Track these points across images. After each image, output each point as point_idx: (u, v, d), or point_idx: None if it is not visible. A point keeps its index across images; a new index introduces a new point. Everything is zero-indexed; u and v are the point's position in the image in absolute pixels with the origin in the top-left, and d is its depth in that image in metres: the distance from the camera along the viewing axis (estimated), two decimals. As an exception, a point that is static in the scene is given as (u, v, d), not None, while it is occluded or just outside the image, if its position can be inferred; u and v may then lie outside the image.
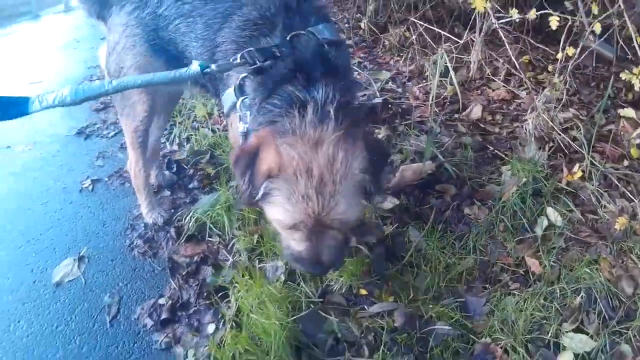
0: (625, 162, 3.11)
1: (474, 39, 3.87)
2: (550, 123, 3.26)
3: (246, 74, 1.98)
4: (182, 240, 2.83)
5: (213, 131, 3.86)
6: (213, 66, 1.89)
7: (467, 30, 3.89)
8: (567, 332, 2.22)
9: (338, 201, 1.74)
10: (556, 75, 3.17)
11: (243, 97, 2.01)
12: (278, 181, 1.75)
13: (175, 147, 3.77)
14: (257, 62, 1.91)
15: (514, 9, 3.12)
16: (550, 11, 2.93)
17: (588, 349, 2.17)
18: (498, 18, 3.31)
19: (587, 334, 2.22)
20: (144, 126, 2.63)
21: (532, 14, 2.97)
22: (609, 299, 2.37)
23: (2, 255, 2.93)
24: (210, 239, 2.82)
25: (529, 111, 3.36)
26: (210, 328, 2.33)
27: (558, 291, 2.39)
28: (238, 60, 1.93)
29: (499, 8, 3.45)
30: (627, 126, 3.37)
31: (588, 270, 2.46)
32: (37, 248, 2.97)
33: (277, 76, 1.90)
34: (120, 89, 1.81)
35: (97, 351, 2.35)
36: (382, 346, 2.13)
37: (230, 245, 2.74)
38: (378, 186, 1.86)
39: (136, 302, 2.57)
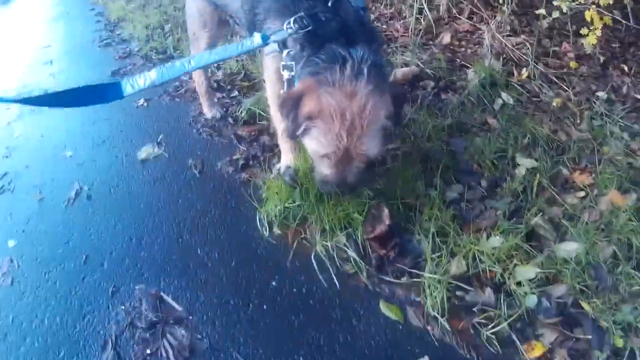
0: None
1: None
2: (503, 41, 4.47)
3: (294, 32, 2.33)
4: (240, 124, 3.85)
5: (237, 61, 4.87)
6: (272, 37, 2.31)
7: None
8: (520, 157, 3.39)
9: (364, 141, 2.20)
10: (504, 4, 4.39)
11: (289, 50, 2.38)
12: (317, 121, 2.20)
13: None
14: (308, 26, 2.29)
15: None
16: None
17: (535, 165, 3.33)
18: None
19: (534, 159, 3.39)
20: (205, 43, 3.37)
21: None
22: (549, 142, 3.54)
23: (99, 141, 3.85)
24: (260, 122, 3.85)
25: (486, 32, 4.56)
26: (277, 166, 3.36)
27: (512, 135, 3.58)
28: (292, 25, 2.29)
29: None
30: (567, 46, 4.63)
31: (533, 125, 3.65)
32: (125, 137, 3.91)
33: (325, 36, 2.28)
34: (199, 66, 2.25)
35: (195, 191, 3.22)
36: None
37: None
38: (398, 127, 2.50)
39: (215, 160, 3.54)
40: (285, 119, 2.31)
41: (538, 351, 2.13)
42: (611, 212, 2.84)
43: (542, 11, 3.92)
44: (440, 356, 2.09)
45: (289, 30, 2.30)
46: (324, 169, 2.34)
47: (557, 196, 2.98)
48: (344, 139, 2.17)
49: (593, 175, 3.17)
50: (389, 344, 2.16)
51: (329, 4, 2.34)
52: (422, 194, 2.81)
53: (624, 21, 3.87)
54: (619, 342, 2.19)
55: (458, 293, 2.36)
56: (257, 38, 2.30)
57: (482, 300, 2.32)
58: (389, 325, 2.24)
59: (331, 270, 2.48)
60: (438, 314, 2.26)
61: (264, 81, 2.86)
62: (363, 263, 2.49)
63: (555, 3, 3.84)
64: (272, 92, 2.73)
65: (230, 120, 3.90)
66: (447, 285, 2.36)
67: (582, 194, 3.05)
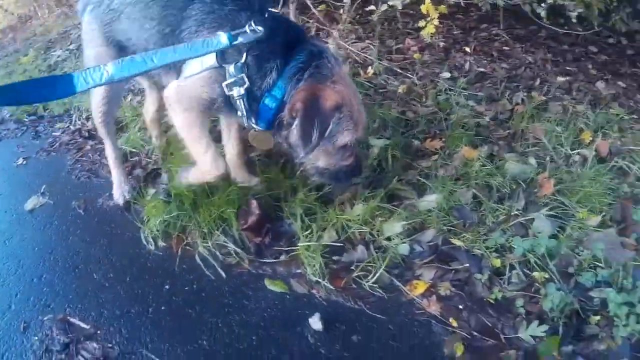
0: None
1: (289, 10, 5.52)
2: (348, 47, 4.95)
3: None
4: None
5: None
6: (240, 38, 2.20)
7: (280, 6, 5.48)
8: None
9: (364, 117, 2.45)
10: (343, 14, 4.90)
11: (236, 62, 2.28)
12: (343, 110, 2.31)
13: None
14: (258, 29, 2.24)
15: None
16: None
17: (387, 143, 3.69)
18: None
19: (386, 138, 3.79)
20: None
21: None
22: (399, 122, 3.94)
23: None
24: (132, 158, 3.95)
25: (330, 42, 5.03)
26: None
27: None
28: (247, 31, 2.23)
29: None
30: (409, 41, 5.21)
31: (382, 111, 4.06)
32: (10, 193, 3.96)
33: (281, 41, 2.34)
34: (163, 63, 2.05)
35: (82, 227, 3.35)
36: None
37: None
38: None
39: (96, 198, 3.60)
40: (312, 129, 2.26)
41: (421, 288, 2.40)
42: (465, 164, 3.32)
43: (372, 7, 4.46)
44: (330, 312, 2.34)
45: (257, 33, 2.23)
46: (343, 161, 2.48)
47: (411, 162, 3.40)
48: (360, 121, 2.40)
49: (443, 139, 3.64)
50: (280, 313, 2.41)
51: (266, 14, 2.36)
52: (287, 184, 3.07)
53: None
54: (497, 262, 2.52)
55: (334, 257, 2.65)
56: (223, 37, 2.16)
57: (356, 257, 2.60)
58: (277, 297, 2.50)
59: (216, 265, 2.72)
60: (320, 278, 2.51)
61: (174, 112, 2.59)
62: (243, 252, 2.75)
63: (390, 3, 4.38)
64: (189, 121, 2.56)
65: (104, 161, 4.05)
66: (322, 252, 2.63)
67: (436, 157, 3.49)
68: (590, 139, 3.77)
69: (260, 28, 2.23)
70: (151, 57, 2.01)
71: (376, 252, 2.62)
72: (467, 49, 4.87)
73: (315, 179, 2.68)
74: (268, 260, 2.69)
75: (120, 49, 2.73)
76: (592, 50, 5.05)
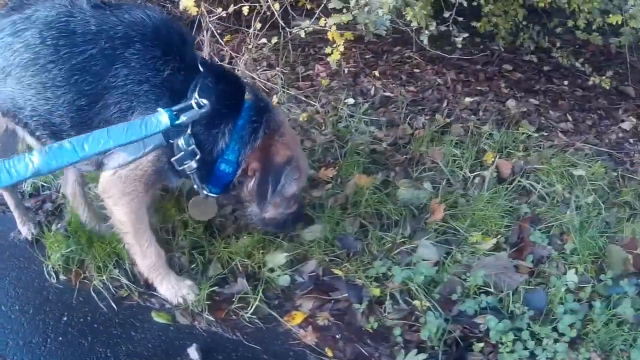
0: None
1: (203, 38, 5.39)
2: (254, 75, 4.79)
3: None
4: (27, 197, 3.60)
5: None
6: (183, 117, 1.99)
7: (194, 31, 5.37)
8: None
9: (307, 165, 2.57)
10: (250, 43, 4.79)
11: (185, 134, 2.13)
12: (293, 162, 2.35)
13: None
14: (203, 103, 2.08)
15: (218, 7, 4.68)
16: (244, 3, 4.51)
17: None
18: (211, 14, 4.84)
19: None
20: None
21: (231, 8, 4.55)
22: None
23: None
24: (44, 192, 3.64)
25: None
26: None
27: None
28: (194, 104, 2.06)
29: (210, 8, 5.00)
30: (319, 67, 5.11)
31: None
32: None
33: (226, 105, 2.25)
34: (94, 152, 1.80)
35: None
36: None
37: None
38: None
39: (8, 232, 3.30)
40: (269, 183, 2.29)
41: (299, 319, 2.46)
42: (356, 193, 3.23)
43: (274, 39, 4.36)
44: (209, 342, 2.43)
45: (203, 109, 2.07)
46: (289, 209, 2.52)
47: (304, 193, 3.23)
48: (303, 173, 2.44)
49: (337, 168, 3.49)
50: (163, 343, 2.47)
51: (201, 69, 2.22)
52: (177, 218, 3.01)
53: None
54: (376, 292, 2.55)
55: (218, 289, 2.66)
56: (164, 117, 1.92)
57: (236, 289, 2.63)
58: (162, 329, 2.56)
59: (108, 297, 2.72)
60: (202, 309, 2.55)
61: (114, 204, 2.38)
62: (134, 285, 2.75)
63: (294, 30, 4.27)
64: (134, 211, 2.38)
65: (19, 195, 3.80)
66: (207, 285, 2.63)
67: (329, 185, 3.35)
68: (493, 159, 3.66)
69: (205, 101, 2.08)
70: (82, 145, 1.77)
71: (256, 284, 2.66)
72: (376, 73, 4.77)
73: (261, 228, 2.68)
74: (156, 293, 2.69)
75: (10, 118, 2.32)
76: (506, 69, 4.99)
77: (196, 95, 2.08)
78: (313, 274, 2.65)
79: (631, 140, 4.28)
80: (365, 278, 2.61)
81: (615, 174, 3.84)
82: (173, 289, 2.53)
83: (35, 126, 2.23)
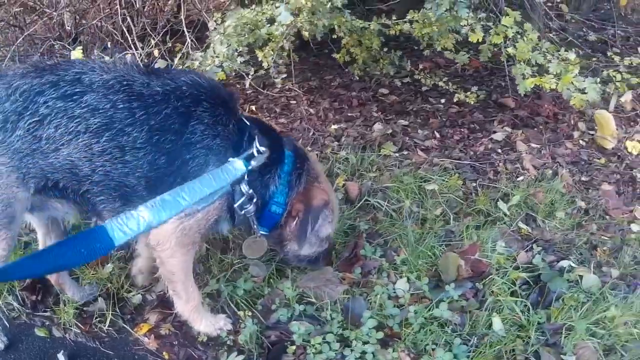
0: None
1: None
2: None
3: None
4: None
5: None
6: (253, 162, 2.27)
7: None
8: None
9: (338, 209, 2.86)
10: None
11: (248, 179, 2.35)
12: (329, 207, 2.68)
13: None
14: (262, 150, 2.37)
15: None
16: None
17: None
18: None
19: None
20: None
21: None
22: None
23: None
24: None
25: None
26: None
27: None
28: (255, 154, 2.33)
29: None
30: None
31: None
32: None
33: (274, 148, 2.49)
34: (197, 199, 1.95)
35: None
36: None
37: None
38: None
39: None
40: (309, 223, 2.59)
41: (145, 329, 2.84)
42: None
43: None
44: (75, 350, 2.82)
45: (264, 155, 2.35)
46: (321, 248, 2.81)
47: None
48: (336, 216, 2.80)
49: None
50: (41, 352, 2.84)
51: (247, 122, 2.47)
52: None
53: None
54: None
55: (85, 308, 3.03)
56: (238, 164, 2.19)
57: (98, 308, 2.99)
58: (41, 341, 2.91)
59: (4, 318, 3.01)
60: (72, 324, 2.93)
61: (171, 255, 2.46)
62: (22, 308, 3.08)
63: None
64: (188, 261, 2.53)
65: None
66: (74, 305, 2.99)
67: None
68: (343, 182, 3.72)
69: (263, 148, 2.34)
70: (181, 195, 1.88)
71: (114, 302, 3.02)
72: (253, 108, 4.87)
73: (294, 264, 2.94)
74: (39, 313, 3.04)
75: (43, 190, 2.23)
76: (382, 93, 5.12)
77: (257, 143, 2.33)
78: (161, 292, 2.95)
79: (499, 150, 4.35)
80: (203, 295, 2.87)
81: (474, 184, 3.91)
82: (212, 325, 2.70)
83: (99, 191, 2.22)
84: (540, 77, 3.69)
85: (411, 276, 3.03)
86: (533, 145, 4.44)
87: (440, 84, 4.63)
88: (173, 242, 2.36)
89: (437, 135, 4.52)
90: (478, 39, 3.87)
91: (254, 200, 2.40)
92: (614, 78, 4.34)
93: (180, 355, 2.66)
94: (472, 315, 2.87)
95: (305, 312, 2.84)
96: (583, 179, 4.19)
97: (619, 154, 4.49)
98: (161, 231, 2.30)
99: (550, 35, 4.75)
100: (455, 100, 4.63)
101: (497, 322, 2.81)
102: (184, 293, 2.58)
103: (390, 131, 4.48)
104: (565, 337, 2.81)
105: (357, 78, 4.88)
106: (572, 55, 3.78)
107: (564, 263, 3.29)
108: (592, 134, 4.61)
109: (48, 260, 1.66)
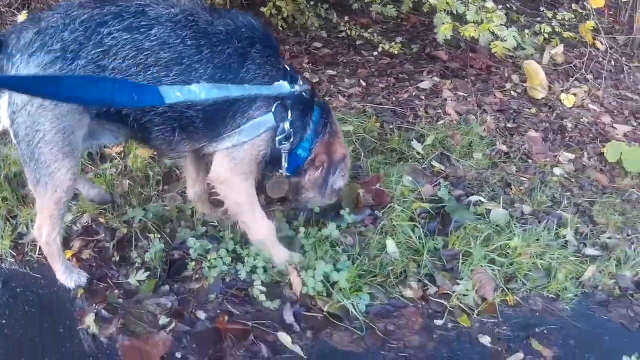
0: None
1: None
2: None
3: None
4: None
5: None
6: (297, 87, 2.38)
7: None
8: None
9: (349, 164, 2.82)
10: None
11: (290, 118, 2.43)
12: (346, 160, 2.69)
13: None
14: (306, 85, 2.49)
15: None
16: None
17: None
18: None
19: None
20: (68, 197, 2.29)
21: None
22: None
23: None
24: None
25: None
26: None
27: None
28: (301, 83, 2.44)
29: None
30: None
31: None
32: None
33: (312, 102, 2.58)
34: (245, 93, 2.22)
35: None
36: None
37: None
38: None
39: None
40: (330, 174, 2.63)
41: (69, 254, 2.72)
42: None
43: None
44: (9, 276, 2.70)
45: (307, 86, 2.47)
46: (331, 200, 2.80)
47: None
48: (348, 171, 2.79)
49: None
50: None
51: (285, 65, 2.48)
52: None
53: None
54: (124, 230, 2.84)
55: (21, 241, 2.87)
56: (285, 84, 2.33)
57: (31, 238, 2.79)
58: None
59: None
60: (7, 255, 2.78)
61: (232, 188, 2.48)
62: None
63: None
64: (248, 190, 2.52)
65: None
66: (12, 236, 2.85)
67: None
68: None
69: (305, 86, 2.44)
70: (231, 89, 2.12)
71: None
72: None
73: (303, 210, 2.85)
74: None
75: (103, 116, 2.21)
76: (315, 46, 4.89)
77: (300, 81, 2.43)
78: (86, 223, 2.91)
79: (423, 97, 4.16)
80: (120, 223, 2.85)
81: (392, 126, 3.70)
82: (283, 257, 2.60)
83: (161, 121, 2.24)
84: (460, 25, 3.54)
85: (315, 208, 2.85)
86: (460, 94, 4.25)
87: (366, 35, 4.44)
88: (229, 174, 2.42)
89: (364, 84, 4.31)
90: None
91: (291, 140, 2.45)
92: (543, 30, 4.18)
93: (95, 274, 2.62)
94: (366, 238, 2.75)
95: (207, 233, 2.80)
96: (509, 125, 4.01)
97: (550, 104, 4.32)
98: (216, 165, 2.42)
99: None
100: (380, 50, 4.48)
101: (390, 245, 2.69)
102: (252, 223, 2.56)
103: (316, 80, 4.26)
104: (462, 263, 2.61)
105: (282, 30, 4.63)
106: (490, 4, 3.62)
107: (474, 198, 3.12)
108: (525, 86, 4.42)
109: (98, 88, 1.64)
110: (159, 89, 1.78)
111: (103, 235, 2.82)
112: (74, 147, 2.15)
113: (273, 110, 2.34)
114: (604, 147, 3.82)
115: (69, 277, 2.51)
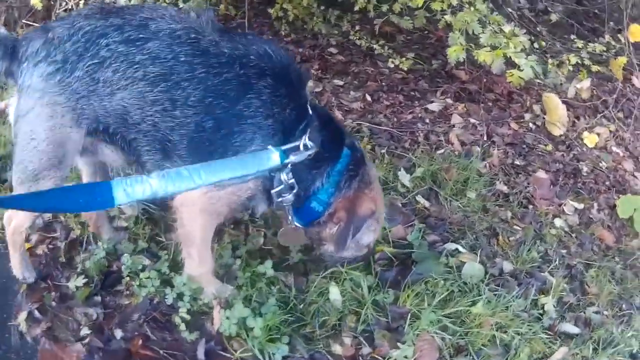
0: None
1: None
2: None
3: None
4: None
5: None
6: (292, 157, 2.02)
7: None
8: None
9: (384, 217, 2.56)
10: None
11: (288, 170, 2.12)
12: (375, 215, 2.34)
13: None
14: (310, 145, 2.09)
15: None
16: None
17: None
18: None
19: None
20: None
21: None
22: None
23: None
24: None
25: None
26: None
27: None
28: (301, 148, 2.06)
29: None
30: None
31: None
32: None
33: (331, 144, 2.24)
34: (212, 181, 1.83)
35: None
36: None
37: None
38: None
39: None
40: (350, 231, 2.27)
41: (27, 247, 2.56)
42: None
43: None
44: None
45: (310, 151, 2.08)
46: (359, 253, 2.46)
47: None
48: (380, 225, 2.46)
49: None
50: None
51: (310, 111, 2.20)
52: None
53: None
54: (78, 232, 2.70)
55: None
56: (275, 156, 1.99)
57: None
58: None
59: None
60: None
61: (192, 219, 2.28)
62: None
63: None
64: (207, 228, 2.32)
65: None
66: None
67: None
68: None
69: (311, 144, 2.08)
70: (198, 173, 1.77)
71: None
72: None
73: (329, 262, 2.56)
74: None
75: (94, 133, 2.15)
76: (330, 52, 4.60)
77: (306, 137, 2.08)
78: (48, 219, 2.77)
79: (427, 120, 3.81)
80: (76, 223, 2.68)
81: (383, 151, 3.38)
82: (212, 288, 2.40)
83: (146, 142, 2.13)
84: (475, 47, 3.21)
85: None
86: (472, 120, 3.87)
87: (376, 47, 4.12)
88: (197, 207, 2.19)
89: (368, 98, 3.99)
90: (418, 4, 3.37)
91: (294, 190, 2.17)
92: (568, 62, 3.75)
93: (43, 272, 2.52)
94: (310, 279, 2.49)
95: (150, 248, 2.60)
96: (517, 162, 3.62)
97: (568, 143, 3.88)
98: (188, 195, 2.07)
99: (511, 11, 4.12)
100: (390, 65, 4.14)
101: (334, 292, 2.42)
102: (197, 257, 2.33)
103: (319, 89, 3.98)
104: (409, 324, 2.30)
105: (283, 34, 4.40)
106: (507, 28, 3.26)
107: (450, 246, 2.77)
108: (545, 119, 3.99)
109: (47, 200, 1.65)
110: (111, 187, 1.65)
111: (59, 234, 2.71)
112: (62, 159, 2.10)
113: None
114: (618, 198, 3.38)
115: (23, 270, 2.44)
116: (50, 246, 2.65)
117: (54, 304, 2.36)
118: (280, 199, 2.19)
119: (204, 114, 2.03)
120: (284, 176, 2.10)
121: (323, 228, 2.37)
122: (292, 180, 2.13)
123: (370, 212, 2.31)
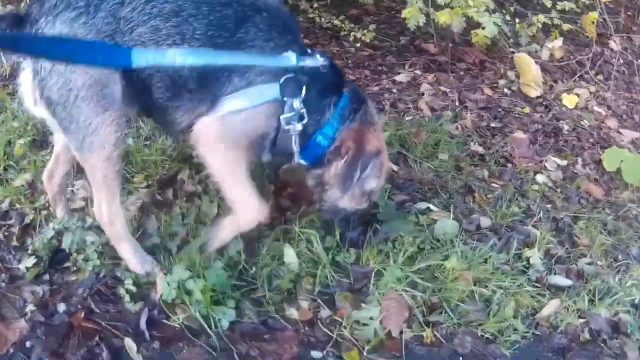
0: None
1: None
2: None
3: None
4: None
5: None
6: (308, 61, 2.07)
7: None
8: None
9: (388, 167, 2.45)
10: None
11: (300, 97, 2.12)
12: (381, 156, 2.28)
13: None
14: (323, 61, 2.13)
15: None
16: None
17: None
18: None
19: None
20: (117, 152, 2.13)
21: None
22: None
23: None
24: None
25: None
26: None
27: None
28: (318, 57, 2.12)
29: None
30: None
31: None
32: None
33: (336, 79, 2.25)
34: (233, 61, 2.00)
35: None
36: None
37: None
38: None
39: None
40: (358, 167, 2.21)
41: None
42: None
43: None
44: None
45: (323, 60, 2.12)
46: (360, 205, 2.35)
47: None
48: (384, 173, 2.36)
49: None
50: None
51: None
52: None
53: None
54: (30, 217, 2.59)
55: None
56: (292, 56, 2.04)
57: None
58: None
59: None
60: None
61: (212, 152, 2.17)
62: None
63: None
64: (231, 160, 2.18)
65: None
66: None
67: None
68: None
69: (323, 59, 2.13)
70: (220, 56, 1.99)
71: None
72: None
73: (327, 216, 2.44)
74: None
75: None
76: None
77: (318, 55, 2.14)
78: (5, 208, 2.66)
79: (395, 90, 3.56)
80: (30, 210, 2.59)
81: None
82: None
83: (158, 77, 2.11)
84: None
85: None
86: (442, 88, 3.62)
87: (336, 22, 3.96)
88: (212, 137, 2.12)
89: (334, 74, 3.73)
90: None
91: (304, 120, 2.13)
92: (536, 21, 3.53)
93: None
94: (263, 242, 2.27)
95: (97, 224, 2.41)
96: (493, 124, 3.35)
97: (547, 104, 3.62)
98: (202, 123, 2.11)
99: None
100: (351, 39, 3.97)
101: (289, 254, 2.19)
102: (238, 196, 2.21)
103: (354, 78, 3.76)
104: (374, 284, 2.00)
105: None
106: (467, -12, 3.07)
107: (421, 205, 2.48)
108: (520, 83, 3.75)
109: (66, 47, 1.78)
110: (131, 52, 1.82)
111: (14, 220, 2.62)
112: (111, 100, 2.03)
113: (281, 81, 2.06)
114: (603, 152, 3.12)
115: (141, 263, 2.22)
116: (6, 233, 2.53)
117: (3, 284, 2.28)
118: (288, 127, 2.13)
119: (207, 46, 2.07)
120: (295, 103, 2.09)
121: (327, 168, 2.29)
122: (303, 110, 2.11)
123: (376, 150, 2.26)
